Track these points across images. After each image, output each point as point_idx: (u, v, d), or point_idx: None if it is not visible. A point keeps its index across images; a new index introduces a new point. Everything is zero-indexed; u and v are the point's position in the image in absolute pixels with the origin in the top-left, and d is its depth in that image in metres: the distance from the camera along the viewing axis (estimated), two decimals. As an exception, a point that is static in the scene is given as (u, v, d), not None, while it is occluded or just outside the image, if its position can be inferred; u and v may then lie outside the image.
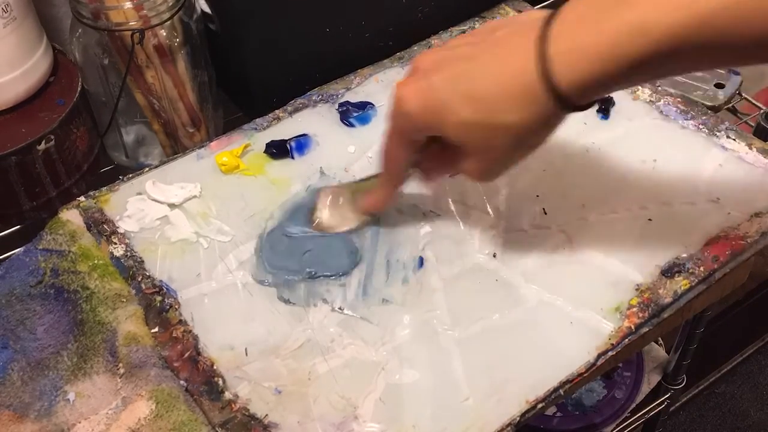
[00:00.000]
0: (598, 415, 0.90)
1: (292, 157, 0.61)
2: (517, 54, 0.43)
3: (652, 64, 0.39)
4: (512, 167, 0.48)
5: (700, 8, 0.37)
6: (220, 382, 0.47)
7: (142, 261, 0.54)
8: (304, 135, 0.63)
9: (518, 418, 0.46)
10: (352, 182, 0.59)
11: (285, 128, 0.64)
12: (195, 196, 0.58)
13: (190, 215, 0.57)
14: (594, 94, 0.42)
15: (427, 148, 0.50)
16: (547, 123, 0.44)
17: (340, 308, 0.51)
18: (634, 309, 0.51)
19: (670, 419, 1.16)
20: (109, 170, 0.68)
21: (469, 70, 0.44)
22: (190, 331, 0.50)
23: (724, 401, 1.25)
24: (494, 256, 0.54)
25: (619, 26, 0.39)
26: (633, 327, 0.50)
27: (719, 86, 0.69)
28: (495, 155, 0.46)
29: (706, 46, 0.38)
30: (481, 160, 0.46)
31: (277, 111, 0.65)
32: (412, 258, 0.54)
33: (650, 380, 0.92)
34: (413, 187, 0.56)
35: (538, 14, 0.43)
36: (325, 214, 0.56)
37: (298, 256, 0.54)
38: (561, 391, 0.47)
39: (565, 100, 0.42)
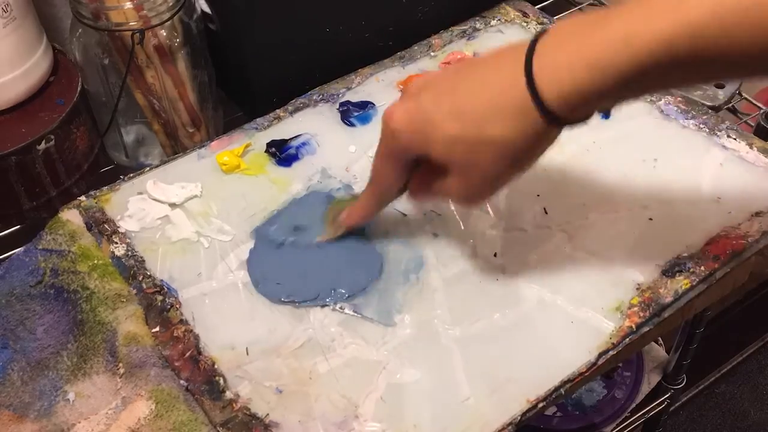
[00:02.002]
0: (598, 415, 0.89)
1: (289, 165, 0.61)
2: (505, 69, 0.42)
3: (639, 76, 0.39)
4: (497, 190, 0.47)
5: (689, 18, 0.37)
6: (221, 381, 0.47)
7: (143, 260, 0.54)
8: (304, 143, 0.62)
9: (519, 418, 0.46)
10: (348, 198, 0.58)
11: (286, 128, 0.64)
12: (196, 196, 0.58)
13: (191, 215, 0.57)
14: (582, 108, 0.41)
15: (415, 171, 0.49)
16: (536, 139, 0.43)
17: (340, 308, 0.51)
18: (635, 308, 0.50)
19: (670, 419, 1.16)
20: (109, 170, 0.68)
21: (456, 87, 0.44)
22: (191, 331, 0.50)
23: (724, 401, 1.25)
24: (495, 255, 0.54)
25: (605, 37, 0.39)
26: (634, 326, 0.50)
27: (719, 86, 0.69)
28: (480, 173, 0.45)
29: (697, 58, 0.38)
30: (465, 179, 0.45)
31: (278, 110, 0.65)
32: (413, 258, 0.54)
33: (650, 380, 0.92)
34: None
35: (524, 40, 0.43)
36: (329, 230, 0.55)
37: (307, 278, 0.53)
38: (562, 391, 0.47)
39: (553, 114, 0.41)
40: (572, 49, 0.40)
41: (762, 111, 0.69)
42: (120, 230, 0.56)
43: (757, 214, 0.56)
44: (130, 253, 0.54)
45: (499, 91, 0.42)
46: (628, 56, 0.38)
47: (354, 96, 0.66)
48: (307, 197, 0.58)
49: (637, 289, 0.52)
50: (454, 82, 0.45)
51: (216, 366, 0.48)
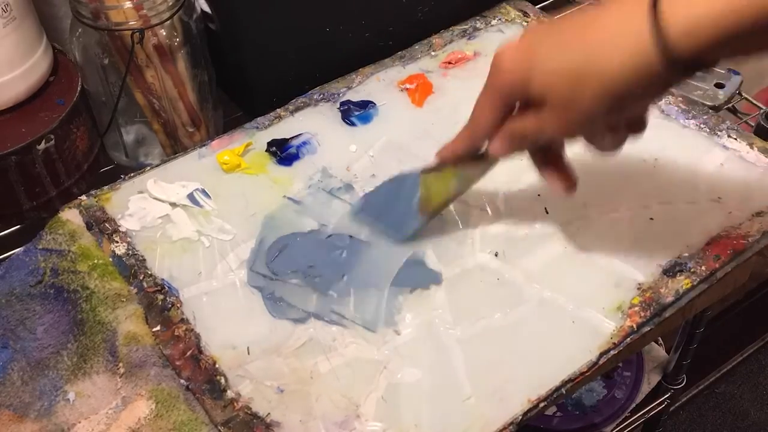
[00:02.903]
0: (598, 415, 0.89)
1: (290, 164, 0.61)
2: (626, 4, 0.40)
3: None
4: (592, 132, 0.45)
5: None
6: (222, 380, 0.47)
7: (144, 259, 0.54)
8: (305, 142, 0.62)
9: (520, 417, 0.46)
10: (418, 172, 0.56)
11: (286, 127, 0.64)
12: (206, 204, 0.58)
13: (191, 214, 0.57)
14: (707, 49, 0.38)
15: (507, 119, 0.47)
16: (647, 81, 0.40)
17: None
18: (636, 308, 0.50)
19: (670, 419, 1.16)
20: (109, 170, 0.68)
21: (570, 25, 0.43)
22: (192, 330, 0.50)
23: (724, 401, 1.25)
24: (496, 255, 0.54)
25: None
26: (635, 326, 0.50)
27: (719, 86, 0.69)
28: (578, 108, 0.42)
29: None
30: (563, 113, 0.43)
31: (278, 110, 0.65)
32: (414, 258, 0.54)
33: (650, 380, 0.92)
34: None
35: None
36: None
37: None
38: (563, 390, 0.47)
39: (674, 52, 0.38)
40: None
41: (762, 111, 0.69)
42: (121, 229, 0.56)
43: (758, 214, 0.56)
44: (130, 252, 0.54)
45: (615, 23, 0.40)
46: None
47: (355, 95, 0.66)
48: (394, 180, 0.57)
49: (638, 288, 0.52)
50: (569, 21, 0.43)
51: (217, 365, 0.48)
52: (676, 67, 0.39)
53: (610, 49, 0.40)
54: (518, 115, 0.47)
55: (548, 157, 0.50)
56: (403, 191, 0.54)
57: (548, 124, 0.44)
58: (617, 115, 0.43)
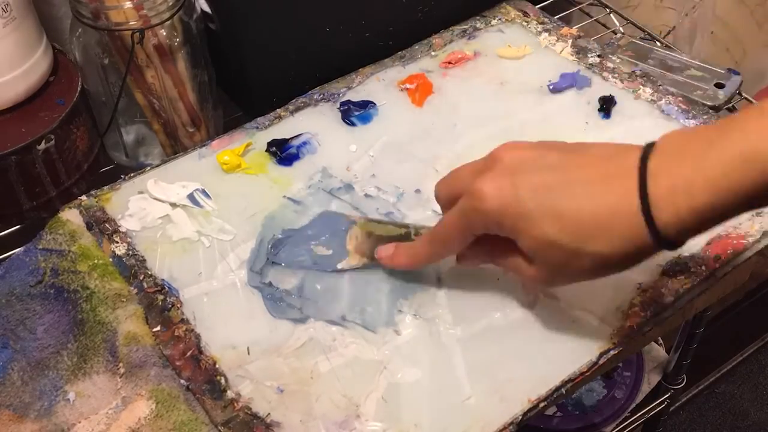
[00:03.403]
0: (598, 415, 0.90)
1: (290, 164, 0.61)
2: (616, 185, 0.40)
3: (763, 193, 0.37)
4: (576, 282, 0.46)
5: None
6: (223, 381, 0.47)
7: (144, 260, 0.54)
8: (305, 142, 0.62)
9: (520, 417, 0.46)
10: (366, 220, 0.56)
11: (286, 127, 0.64)
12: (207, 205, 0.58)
13: (191, 214, 0.57)
14: (695, 231, 0.40)
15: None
16: (638, 258, 0.42)
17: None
18: (636, 308, 0.50)
19: (670, 419, 1.17)
20: (109, 170, 0.68)
21: (560, 185, 0.42)
22: (192, 330, 0.50)
23: (724, 401, 1.25)
24: (496, 255, 0.54)
25: (727, 156, 0.37)
26: (635, 326, 0.50)
27: (719, 86, 0.69)
28: (568, 275, 0.44)
29: None
30: (549, 275, 0.44)
31: (278, 110, 0.65)
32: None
33: (650, 380, 0.92)
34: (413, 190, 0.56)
35: (628, 147, 0.41)
36: (354, 258, 0.53)
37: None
38: (563, 390, 0.47)
39: (665, 239, 0.40)
40: (690, 171, 0.38)
41: (762, 111, 0.69)
42: (121, 229, 0.56)
43: (758, 213, 0.55)
44: (131, 252, 0.54)
45: (608, 210, 0.40)
46: (757, 173, 0.36)
47: (355, 95, 0.66)
48: (320, 218, 0.56)
49: (638, 288, 0.52)
50: (556, 177, 0.42)
51: (217, 365, 0.48)
52: (668, 246, 0.41)
53: (605, 236, 0.41)
54: (502, 254, 0.46)
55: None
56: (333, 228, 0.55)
57: (530, 275, 0.45)
58: (603, 276, 0.44)
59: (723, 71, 0.71)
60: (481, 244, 0.47)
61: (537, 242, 0.42)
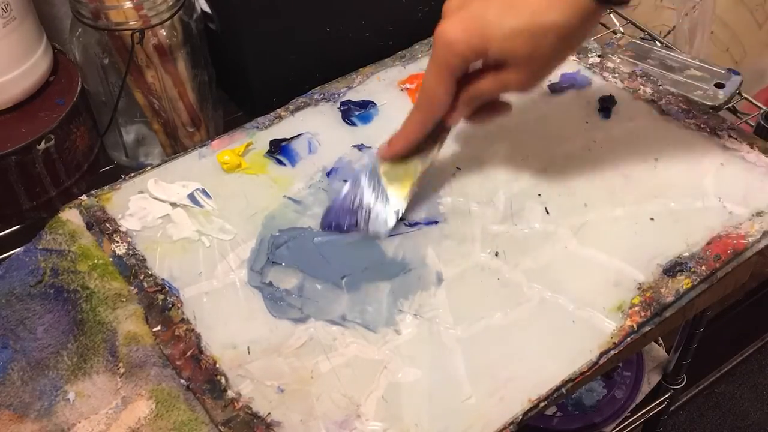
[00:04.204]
0: (598, 415, 0.90)
1: (290, 164, 0.61)
2: None
3: None
4: (551, 73, 0.50)
5: None
6: (223, 380, 0.47)
7: (144, 259, 0.54)
8: (305, 142, 0.62)
9: (520, 417, 0.46)
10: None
11: (287, 127, 0.64)
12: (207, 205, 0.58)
13: (192, 214, 0.57)
14: None
15: (462, 86, 0.50)
16: (588, 20, 0.47)
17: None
18: (636, 308, 0.50)
19: (670, 419, 1.17)
20: (109, 170, 0.68)
21: None
22: (193, 330, 0.50)
23: (724, 401, 1.25)
24: (496, 255, 0.54)
25: None
26: (635, 326, 0.50)
27: (719, 86, 0.69)
28: (541, 59, 0.48)
29: None
30: (527, 68, 0.48)
31: (278, 109, 0.65)
32: (414, 257, 0.54)
33: (650, 380, 0.92)
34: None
35: None
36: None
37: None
38: (563, 390, 0.47)
39: None
40: None
41: (762, 111, 0.69)
42: (121, 229, 0.56)
43: (758, 213, 0.56)
44: (131, 252, 0.54)
45: None
46: None
47: (355, 95, 0.66)
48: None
49: (639, 288, 0.52)
50: None
51: (217, 365, 0.48)
52: (606, 3, 0.46)
53: (553, 5, 0.46)
54: (474, 80, 0.50)
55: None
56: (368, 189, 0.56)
57: (512, 81, 0.49)
58: (570, 53, 0.50)
59: (723, 71, 0.71)
60: (464, 91, 0.50)
61: (502, 39, 0.47)
